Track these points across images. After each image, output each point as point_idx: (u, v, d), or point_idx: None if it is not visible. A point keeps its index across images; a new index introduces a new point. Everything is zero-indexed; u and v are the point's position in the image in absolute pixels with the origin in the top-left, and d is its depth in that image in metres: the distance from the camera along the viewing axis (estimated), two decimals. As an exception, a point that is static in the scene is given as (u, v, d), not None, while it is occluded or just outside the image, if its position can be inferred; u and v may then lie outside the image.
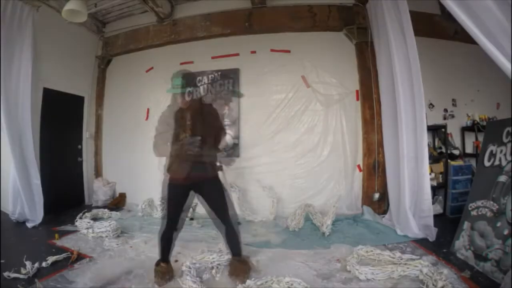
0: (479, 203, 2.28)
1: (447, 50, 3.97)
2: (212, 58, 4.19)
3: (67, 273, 2.11)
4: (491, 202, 2.17)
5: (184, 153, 1.91)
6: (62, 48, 4.11)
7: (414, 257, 2.16)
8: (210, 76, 4.18)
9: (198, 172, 1.94)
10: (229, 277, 2.03)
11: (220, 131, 2.13)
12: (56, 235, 2.93)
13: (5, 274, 1.98)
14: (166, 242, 2.07)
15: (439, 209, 3.58)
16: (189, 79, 2.03)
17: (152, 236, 2.78)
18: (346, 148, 3.80)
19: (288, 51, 3.97)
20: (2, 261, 2.26)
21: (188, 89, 2.00)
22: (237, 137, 4.03)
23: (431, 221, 2.78)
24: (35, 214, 3.31)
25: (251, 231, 3.20)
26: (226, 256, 2.24)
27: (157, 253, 2.13)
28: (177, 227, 2.07)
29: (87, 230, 2.98)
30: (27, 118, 3.34)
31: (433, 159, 3.75)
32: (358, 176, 3.77)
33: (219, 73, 4.14)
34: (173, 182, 2.00)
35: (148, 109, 4.44)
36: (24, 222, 3.32)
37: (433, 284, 1.83)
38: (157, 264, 2.06)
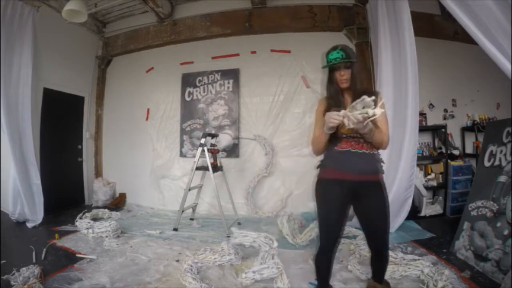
0: (479, 203, 2.29)
1: (447, 50, 3.98)
2: (212, 58, 4.20)
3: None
4: (491, 202, 2.17)
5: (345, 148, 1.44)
6: (62, 48, 4.11)
7: (416, 257, 2.16)
8: (210, 76, 4.18)
9: (360, 171, 1.42)
10: None
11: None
12: (56, 235, 2.92)
13: (4, 277, 1.97)
14: (323, 265, 1.54)
15: (439, 209, 3.59)
16: (350, 53, 1.44)
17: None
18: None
19: (288, 51, 3.97)
20: (3, 261, 2.26)
21: (351, 61, 1.41)
22: (236, 137, 4.04)
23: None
24: (35, 214, 3.31)
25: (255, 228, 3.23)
26: (228, 257, 2.25)
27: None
28: (337, 242, 1.52)
29: (87, 230, 2.98)
30: (27, 118, 3.34)
31: (433, 159, 3.76)
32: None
33: (219, 73, 4.15)
34: (329, 183, 1.48)
35: (148, 109, 4.45)
36: (24, 222, 3.32)
37: (434, 285, 1.83)
38: None
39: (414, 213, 3.31)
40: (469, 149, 4.01)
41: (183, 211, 3.25)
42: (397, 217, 2.95)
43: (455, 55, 3.98)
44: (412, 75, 2.76)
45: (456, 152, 3.81)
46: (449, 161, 3.66)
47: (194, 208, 3.68)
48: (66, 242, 2.78)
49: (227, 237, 2.93)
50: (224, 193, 3.49)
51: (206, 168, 3.22)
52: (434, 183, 3.66)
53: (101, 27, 4.78)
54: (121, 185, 4.60)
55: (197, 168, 3.26)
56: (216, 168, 3.35)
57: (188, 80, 4.26)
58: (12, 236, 2.98)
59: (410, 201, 2.95)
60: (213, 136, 3.60)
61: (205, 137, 3.27)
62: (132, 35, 4.59)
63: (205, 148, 3.21)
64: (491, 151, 2.33)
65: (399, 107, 2.96)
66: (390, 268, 2.02)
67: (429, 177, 3.69)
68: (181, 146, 4.26)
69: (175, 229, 3.16)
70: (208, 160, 3.18)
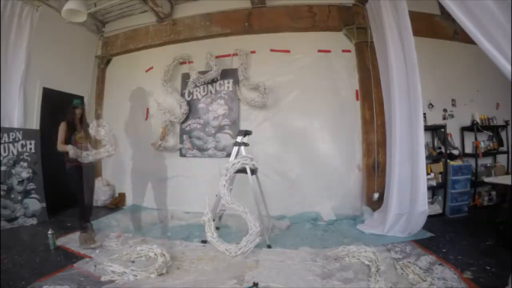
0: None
1: (447, 50, 3.98)
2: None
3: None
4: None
5: None
6: (62, 48, 4.10)
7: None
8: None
9: None
10: None
11: None
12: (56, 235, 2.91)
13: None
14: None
15: (438, 209, 3.59)
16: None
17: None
18: (345, 148, 3.80)
19: (288, 51, 3.97)
20: (4, 261, 2.26)
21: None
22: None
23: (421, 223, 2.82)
24: (34, 214, 3.30)
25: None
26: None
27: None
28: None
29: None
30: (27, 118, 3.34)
31: (433, 159, 3.76)
32: (358, 176, 3.77)
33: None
34: None
35: (147, 109, 4.44)
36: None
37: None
38: None
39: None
40: (468, 149, 4.01)
41: (213, 220, 2.72)
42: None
43: (455, 55, 3.98)
44: (411, 74, 2.76)
45: (455, 152, 3.81)
46: (448, 161, 3.67)
47: (221, 216, 3.25)
48: (65, 242, 2.77)
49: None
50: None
51: (244, 171, 2.71)
52: (434, 183, 3.66)
53: (101, 26, 4.77)
54: (121, 185, 4.59)
55: (238, 171, 2.72)
56: (253, 170, 2.86)
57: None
58: (12, 236, 2.98)
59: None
60: (249, 133, 3.07)
61: (242, 135, 2.82)
62: (131, 35, 4.58)
63: (242, 148, 2.76)
64: None
65: (393, 107, 2.96)
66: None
67: (428, 176, 3.67)
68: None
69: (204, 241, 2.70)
70: (249, 161, 2.72)
